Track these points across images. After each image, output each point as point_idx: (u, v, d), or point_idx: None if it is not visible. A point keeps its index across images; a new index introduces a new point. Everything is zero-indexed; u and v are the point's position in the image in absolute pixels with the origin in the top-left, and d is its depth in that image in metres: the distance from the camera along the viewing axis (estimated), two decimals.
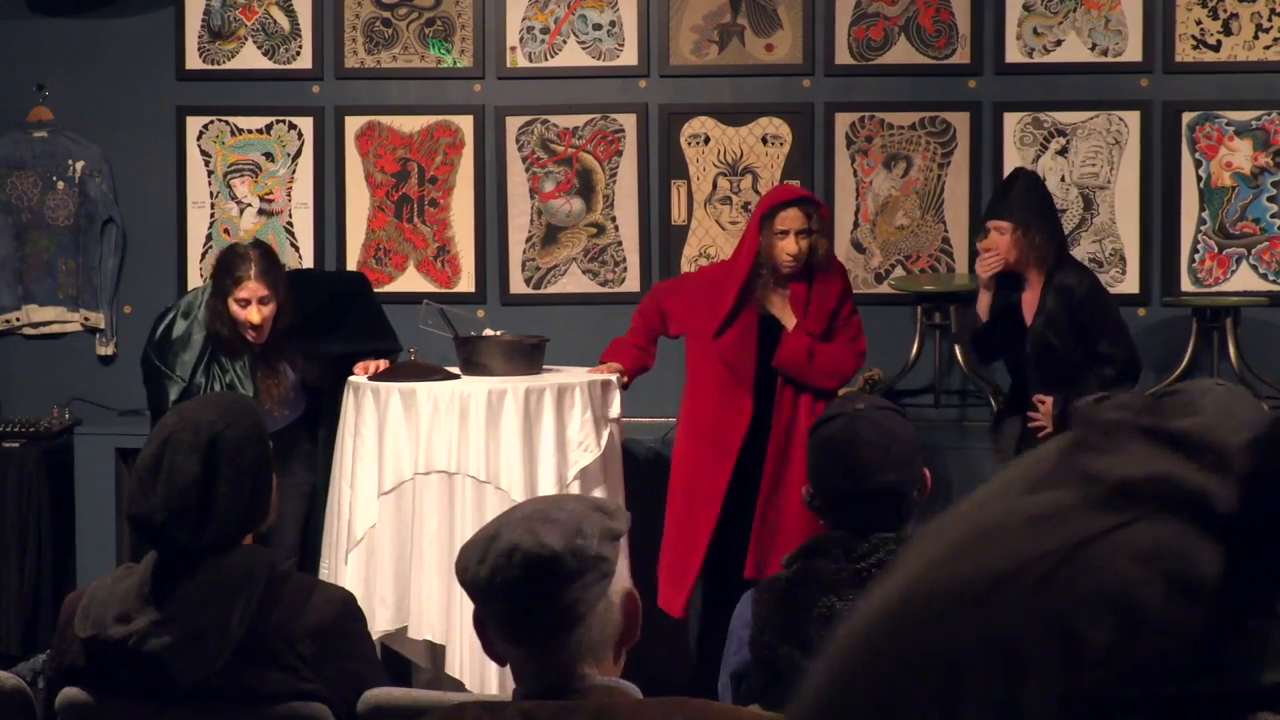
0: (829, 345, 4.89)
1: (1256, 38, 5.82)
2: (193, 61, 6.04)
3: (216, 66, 6.04)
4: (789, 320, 4.89)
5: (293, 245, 5.96)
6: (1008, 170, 5.83)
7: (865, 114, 5.89)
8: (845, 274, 5.11)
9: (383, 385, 4.60)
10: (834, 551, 2.68)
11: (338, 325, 4.86)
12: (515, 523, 2.00)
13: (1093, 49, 5.83)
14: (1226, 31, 5.82)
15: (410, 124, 6.02)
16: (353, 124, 6.03)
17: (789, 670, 2.62)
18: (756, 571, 4.67)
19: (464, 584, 2.01)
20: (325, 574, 4.66)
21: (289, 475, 4.83)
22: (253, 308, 4.63)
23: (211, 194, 6.04)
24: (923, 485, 2.79)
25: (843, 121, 5.89)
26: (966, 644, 0.71)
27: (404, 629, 4.54)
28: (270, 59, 6.03)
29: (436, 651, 4.59)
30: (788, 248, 4.84)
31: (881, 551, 2.66)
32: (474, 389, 4.54)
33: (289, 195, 6.01)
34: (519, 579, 1.95)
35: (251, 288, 4.62)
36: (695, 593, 5.11)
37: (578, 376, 4.75)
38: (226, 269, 4.70)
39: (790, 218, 4.86)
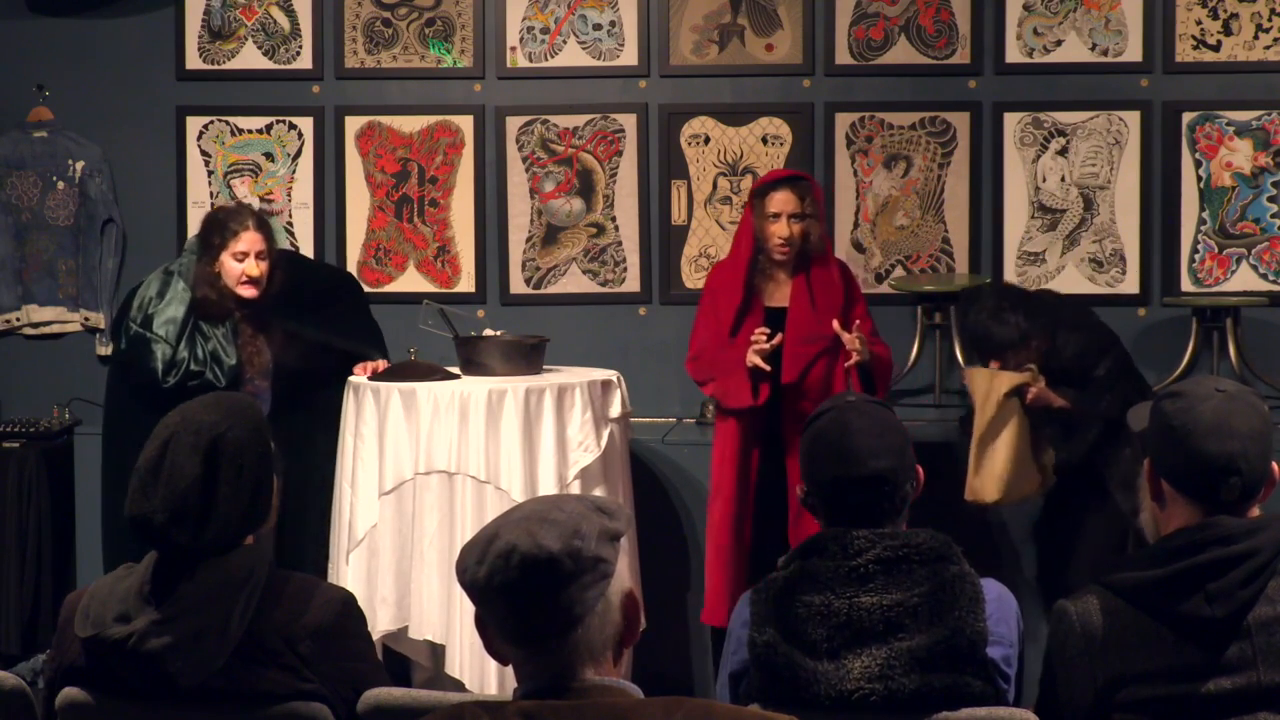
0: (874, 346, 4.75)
1: (1256, 38, 5.81)
2: (193, 61, 6.04)
3: (216, 66, 6.04)
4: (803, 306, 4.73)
5: (293, 245, 5.96)
6: (1008, 170, 5.83)
7: (865, 114, 5.89)
8: (845, 266, 4.98)
9: (383, 385, 4.60)
10: (830, 549, 2.67)
11: (320, 312, 4.84)
12: (514, 524, 2.00)
13: (1093, 49, 5.83)
14: (1226, 31, 5.81)
15: (410, 124, 6.02)
16: (353, 124, 6.03)
17: (788, 670, 2.61)
18: None
19: (463, 584, 2.01)
20: (328, 573, 4.66)
21: (309, 466, 4.79)
22: (251, 260, 4.62)
23: (211, 194, 6.04)
24: (916, 480, 2.78)
25: (843, 121, 5.89)
26: None
27: (405, 629, 4.54)
28: (270, 59, 6.03)
29: (436, 651, 4.59)
30: (779, 232, 4.70)
31: (877, 548, 2.63)
32: (474, 389, 4.54)
33: (289, 195, 6.01)
34: (516, 580, 1.95)
35: (250, 238, 4.64)
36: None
37: (578, 376, 4.75)
38: (219, 226, 4.66)
39: (780, 200, 4.72)
